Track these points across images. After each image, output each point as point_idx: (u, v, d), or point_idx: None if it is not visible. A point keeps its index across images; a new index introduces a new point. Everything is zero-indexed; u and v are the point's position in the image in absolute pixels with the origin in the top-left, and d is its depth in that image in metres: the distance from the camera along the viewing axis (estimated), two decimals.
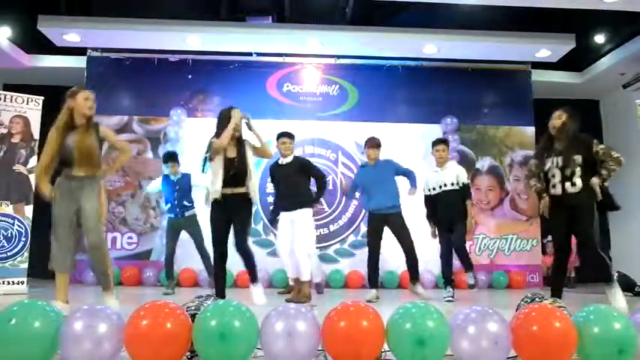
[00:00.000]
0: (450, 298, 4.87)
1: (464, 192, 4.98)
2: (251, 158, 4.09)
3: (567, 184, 3.79)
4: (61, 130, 3.51)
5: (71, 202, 3.48)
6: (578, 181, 3.76)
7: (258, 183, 4.19)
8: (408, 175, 5.07)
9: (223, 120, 4.03)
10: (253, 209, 4.15)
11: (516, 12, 6.49)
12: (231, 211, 3.95)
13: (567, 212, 3.82)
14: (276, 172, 4.84)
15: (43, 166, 3.52)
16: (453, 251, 4.99)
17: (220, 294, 3.87)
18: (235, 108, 4.10)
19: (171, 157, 5.63)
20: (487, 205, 7.21)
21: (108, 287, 3.57)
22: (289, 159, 4.76)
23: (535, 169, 4.03)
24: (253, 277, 4.05)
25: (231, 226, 4.01)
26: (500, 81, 7.50)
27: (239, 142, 4.08)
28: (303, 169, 4.72)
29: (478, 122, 7.38)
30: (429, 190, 5.11)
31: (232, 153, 4.02)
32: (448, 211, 4.95)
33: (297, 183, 4.64)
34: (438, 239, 5.14)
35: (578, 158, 3.77)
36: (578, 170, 3.76)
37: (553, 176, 3.87)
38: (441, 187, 5.02)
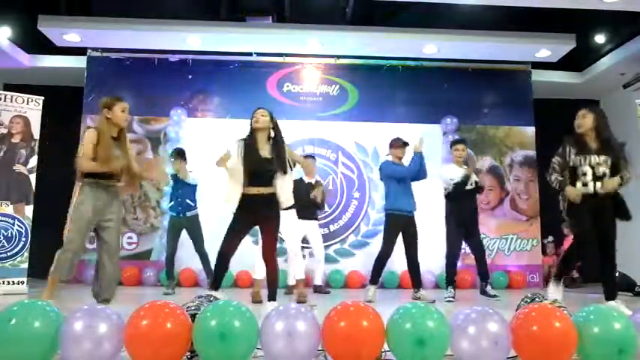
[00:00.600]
0: (451, 299, 4.92)
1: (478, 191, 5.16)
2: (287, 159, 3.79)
3: (598, 184, 3.80)
4: (107, 138, 3.51)
5: (98, 213, 3.51)
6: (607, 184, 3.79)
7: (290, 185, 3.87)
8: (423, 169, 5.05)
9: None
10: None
11: (516, 12, 6.49)
12: (259, 214, 3.69)
13: (594, 211, 3.81)
14: None
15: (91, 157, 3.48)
16: (475, 257, 5.13)
17: (216, 285, 3.69)
18: (262, 109, 3.81)
19: (177, 154, 5.59)
20: (487, 205, 7.20)
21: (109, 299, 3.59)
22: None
23: (559, 167, 3.97)
24: (272, 295, 3.71)
25: (248, 232, 3.79)
26: (500, 81, 7.50)
27: (274, 141, 3.77)
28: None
29: (478, 122, 7.38)
30: (451, 180, 5.07)
31: (266, 153, 3.73)
32: (464, 211, 5.04)
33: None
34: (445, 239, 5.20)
35: (608, 160, 3.81)
36: (608, 173, 3.80)
37: (584, 174, 3.83)
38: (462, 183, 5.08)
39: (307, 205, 5.29)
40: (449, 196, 5.16)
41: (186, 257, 6.00)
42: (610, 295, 3.86)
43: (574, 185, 3.86)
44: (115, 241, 3.61)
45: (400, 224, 4.92)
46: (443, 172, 5.26)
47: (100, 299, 3.57)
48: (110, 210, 3.57)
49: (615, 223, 3.87)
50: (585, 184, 3.83)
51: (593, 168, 3.81)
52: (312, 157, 5.78)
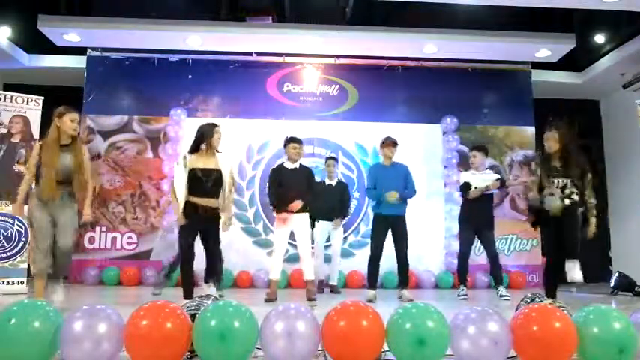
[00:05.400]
0: (465, 296, 5.08)
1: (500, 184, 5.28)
2: (227, 172, 4.20)
3: (566, 202, 4.10)
4: (55, 149, 3.82)
5: (51, 214, 3.83)
6: (575, 198, 4.10)
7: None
8: (408, 190, 5.05)
9: (203, 136, 4.14)
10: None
11: (516, 12, 6.49)
12: (204, 224, 4.09)
13: (556, 223, 4.13)
14: (282, 175, 4.84)
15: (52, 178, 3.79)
16: (488, 259, 5.25)
17: (189, 295, 3.99)
18: (218, 126, 4.23)
19: None
20: None
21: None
22: (296, 164, 4.90)
23: (536, 188, 4.29)
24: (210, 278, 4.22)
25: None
26: (500, 81, 7.49)
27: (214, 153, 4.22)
28: (308, 178, 4.88)
29: (478, 122, 7.38)
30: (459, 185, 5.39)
31: (211, 164, 4.10)
32: (476, 215, 5.17)
33: (302, 188, 4.77)
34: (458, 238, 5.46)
35: (574, 180, 4.11)
36: (575, 191, 4.10)
37: (552, 195, 4.15)
38: (476, 188, 5.22)
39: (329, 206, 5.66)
40: (462, 198, 5.42)
41: None
42: (570, 254, 4.08)
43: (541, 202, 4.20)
44: (66, 242, 3.84)
45: (384, 225, 4.92)
46: (461, 176, 5.59)
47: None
48: (63, 210, 3.83)
49: (576, 227, 4.14)
50: (550, 207, 4.14)
51: (562, 190, 4.12)
52: (333, 158, 6.06)
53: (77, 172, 3.86)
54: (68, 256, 3.91)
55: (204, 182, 4.00)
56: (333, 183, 5.86)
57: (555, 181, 4.14)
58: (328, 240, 5.85)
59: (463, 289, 5.18)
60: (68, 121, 3.87)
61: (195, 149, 4.10)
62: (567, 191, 4.08)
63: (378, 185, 5.00)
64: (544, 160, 4.27)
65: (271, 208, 4.93)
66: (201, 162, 4.04)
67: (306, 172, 4.89)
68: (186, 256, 4.05)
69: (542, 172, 4.23)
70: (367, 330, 1.93)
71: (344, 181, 6.30)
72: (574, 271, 4.05)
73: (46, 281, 3.83)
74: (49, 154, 3.77)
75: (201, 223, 4.04)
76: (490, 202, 5.34)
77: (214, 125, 4.19)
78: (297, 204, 4.65)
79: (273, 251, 4.90)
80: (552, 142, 4.17)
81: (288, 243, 4.97)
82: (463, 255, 5.27)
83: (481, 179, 5.26)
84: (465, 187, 5.31)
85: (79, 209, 3.97)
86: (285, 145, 4.94)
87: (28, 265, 5.40)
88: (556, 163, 4.17)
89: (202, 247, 4.17)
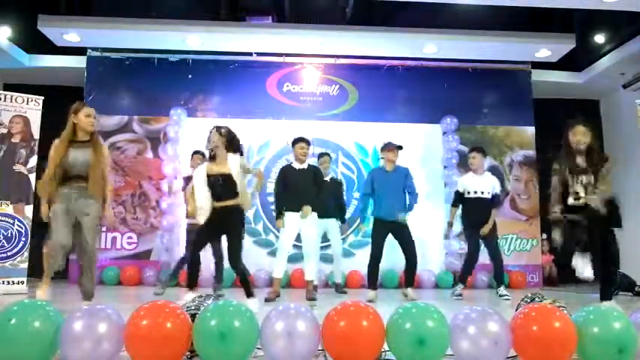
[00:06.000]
0: (459, 297, 5.09)
1: (495, 200, 5.25)
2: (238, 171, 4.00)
3: (589, 197, 3.86)
4: (65, 144, 3.73)
5: (72, 211, 3.73)
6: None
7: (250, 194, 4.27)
8: (412, 197, 5.04)
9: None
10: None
11: (516, 12, 6.50)
12: (223, 224, 3.91)
13: (587, 219, 3.88)
14: (290, 174, 4.89)
15: (51, 175, 3.71)
16: (491, 260, 5.21)
17: (193, 284, 3.97)
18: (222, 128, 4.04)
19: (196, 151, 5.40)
20: None
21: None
22: (304, 165, 4.93)
23: (560, 188, 3.97)
24: (249, 293, 4.04)
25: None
26: (500, 81, 7.50)
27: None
28: (316, 178, 4.90)
29: (478, 122, 7.38)
30: (468, 192, 5.24)
31: (223, 168, 3.94)
32: (481, 218, 5.12)
33: (310, 189, 4.80)
34: (466, 240, 5.42)
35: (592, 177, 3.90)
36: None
37: (577, 192, 3.89)
38: (476, 192, 5.20)
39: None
40: (463, 201, 5.34)
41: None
42: (604, 295, 3.95)
43: (565, 199, 3.91)
44: (89, 239, 3.76)
45: (383, 229, 4.91)
46: (459, 180, 5.55)
47: (83, 294, 3.80)
48: (85, 209, 3.74)
49: (610, 228, 3.99)
50: (578, 199, 3.89)
51: (585, 186, 3.88)
52: (327, 154, 5.88)
53: (96, 168, 3.75)
54: (91, 262, 3.80)
55: (219, 186, 3.89)
56: (327, 179, 5.70)
57: (580, 177, 3.84)
58: (324, 240, 5.77)
59: (458, 289, 5.19)
60: (83, 117, 3.78)
61: (210, 157, 4.03)
62: (590, 188, 3.82)
63: (377, 190, 5.00)
64: (568, 156, 3.92)
65: (274, 212, 4.94)
66: (214, 168, 3.95)
67: (313, 173, 4.93)
68: (194, 258, 4.00)
69: (565, 170, 3.89)
70: (367, 330, 1.93)
71: (337, 178, 6.25)
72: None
73: (49, 281, 3.76)
74: (55, 150, 3.71)
75: (220, 225, 3.91)
76: (490, 205, 5.27)
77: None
78: (307, 210, 4.68)
79: (278, 250, 4.91)
80: (582, 136, 3.85)
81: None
82: (471, 256, 5.23)
83: (481, 182, 5.24)
84: (459, 197, 5.30)
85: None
86: (293, 145, 5.00)
87: (28, 265, 5.41)
88: (580, 159, 3.88)
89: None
